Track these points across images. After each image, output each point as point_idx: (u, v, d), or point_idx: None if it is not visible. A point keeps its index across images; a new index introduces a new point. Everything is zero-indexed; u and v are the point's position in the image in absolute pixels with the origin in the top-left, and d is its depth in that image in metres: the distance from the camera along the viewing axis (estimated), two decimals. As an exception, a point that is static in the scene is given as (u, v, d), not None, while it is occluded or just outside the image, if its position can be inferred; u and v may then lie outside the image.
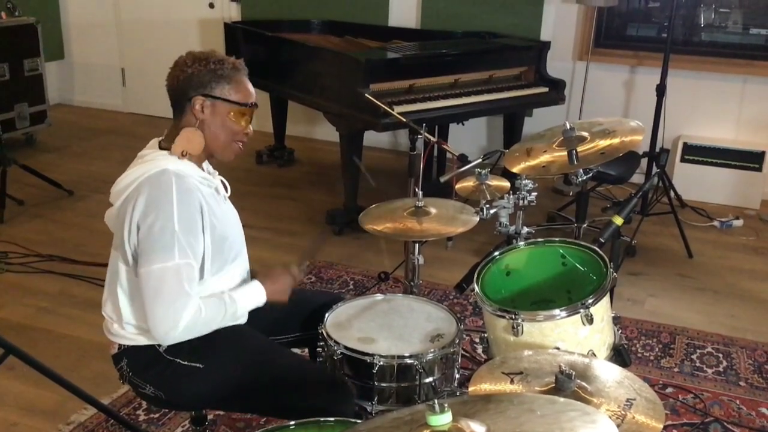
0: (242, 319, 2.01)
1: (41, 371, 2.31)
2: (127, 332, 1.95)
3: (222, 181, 2.07)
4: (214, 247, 1.91)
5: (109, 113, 6.69)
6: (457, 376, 2.12)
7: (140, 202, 1.82)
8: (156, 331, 1.81)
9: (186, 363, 1.92)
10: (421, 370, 1.98)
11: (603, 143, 2.28)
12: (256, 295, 1.99)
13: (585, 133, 2.34)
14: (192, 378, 1.92)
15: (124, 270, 1.91)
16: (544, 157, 2.34)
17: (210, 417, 2.57)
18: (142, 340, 1.94)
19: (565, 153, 2.26)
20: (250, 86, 1.97)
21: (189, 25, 6.19)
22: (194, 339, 1.92)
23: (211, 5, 6.07)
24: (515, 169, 2.35)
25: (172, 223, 1.80)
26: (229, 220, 2.02)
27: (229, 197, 2.09)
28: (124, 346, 1.97)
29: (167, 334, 1.81)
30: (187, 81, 1.90)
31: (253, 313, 2.09)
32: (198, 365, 1.92)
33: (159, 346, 1.93)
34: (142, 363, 1.95)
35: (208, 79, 1.90)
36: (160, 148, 1.95)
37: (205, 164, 2.04)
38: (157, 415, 2.69)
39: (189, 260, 1.82)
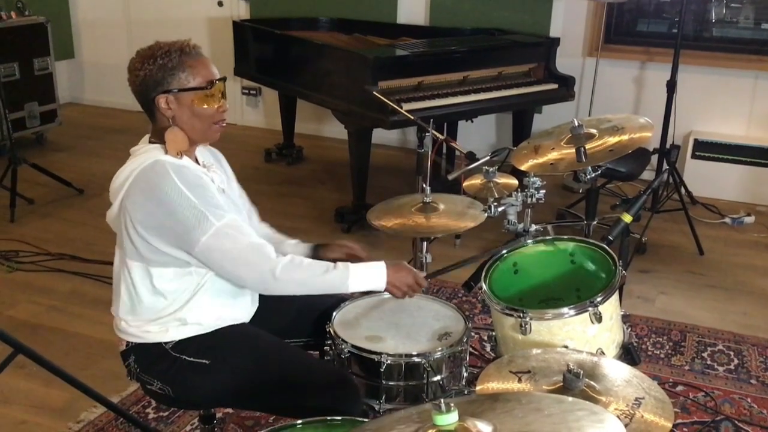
0: (351, 288, 1.92)
1: (51, 370, 2.32)
2: (134, 329, 1.95)
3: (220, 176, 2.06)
4: None
5: (120, 112, 6.70)
6: (465, 374, 2.12)
7: (139, 197, 1.82)
8: (257, 291, 1.96)
9: (192, 359, 1.92)
10: (429, 369, 1.97)
11: (612, 140, 2.26)
12: (375, 272, 1.94)
13: (593, 130, 2.32)
14: (199, 374, 1.92)
15: (132, 266, 1.91)
16: (553, 155, 2.32)
17: (219, 415, 2.57)
18: (149, 337, 1.94)
19: (574, 150, 2.24)
20: (205, 65, 1.90)
21: (198, 23, 6.20)
22: (200, 336, 1.92)
23: (220, 4, 6.08)
24: (523, 167, 2.34)
25: (187, 199, 1.80)
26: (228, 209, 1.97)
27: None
28: (131, 342, 1.98)
29: (269, 287, 1.86)
30: (144, 84, 1.88)
31: (264, 316, 2.09)
32: (204, 361, 1.92)
33: (166, 343, 1.93)
34: (149, 359, 1.96)
35: (160, 75, 1.86)
36: (150, 143, 1.94)
37: (202, 155, 2.03)
38: (166, 414, 2.69)
39: (227, 218, 1.82)
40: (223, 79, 1.93)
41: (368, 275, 1.93)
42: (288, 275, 1.84)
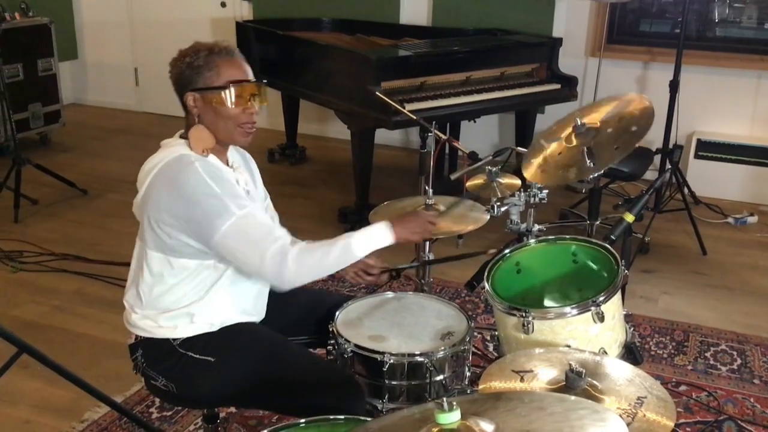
0: (360, 253, 1.95)
1: (55, 369, 2.33)
2: (144, 323, 1.97)
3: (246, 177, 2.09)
4: None
5: (123, 113, 6.73)
6: (468, 374, 2.12)
7: (164, 187, 1.85)
8: (273, 281, 1.89)
9: (198, 356, 1.93)
10: (432, 368, 1.98)
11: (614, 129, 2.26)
12: (379, 231, 1.97)
13: (595, 123, 2.32)
14: (203, 372, 1.93)
15: (151, 256, 1.92)
16: (559, 158, 2.32)
17: (222, 415, 2.58)
18: (158, 333, 1.96)
19: (579, 149, 2.24)
20: (233, 65, 1.91)
21: (201, 24, 6.21)
22: (208, 334, 1.94)
23: (223, 4, 6.09)
24: (532, 178, 2.32)
25: (210, 188, 1.82)
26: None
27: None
28: (140, 337, 1.99)
29: (283, 278, 1.85)
30: (176, 82, 1.94)
31: (268, 314, 2.10)
32: (209, 358, 1.93)
33: (174, 339, 1.94)
34: (156, 355, 1.97)
35: (188, 74, 1.90)
36: (181, 137, 1.97)
37: (233, 158, 2.05)
38: (170, 413, 2.70)
39: (248, 208, 1.85)
40: (258, 82, 1.93)
41: (370, 233, 1.96)
42: (304, 266, 1.86)
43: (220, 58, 1.90)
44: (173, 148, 1.91)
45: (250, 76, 1.94)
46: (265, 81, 1.98)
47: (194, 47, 1.91)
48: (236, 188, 1.90)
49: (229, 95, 1.89)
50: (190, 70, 1.89)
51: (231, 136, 1.95)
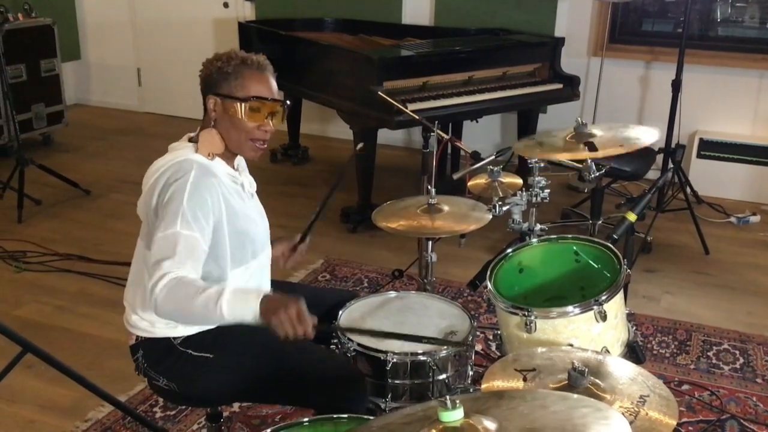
0: (223, 318, 1.69)
1: (59, 369, 2.34)
2: (144, 323, 1.97)
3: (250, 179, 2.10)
4: (232, 240, 1.92)
5: (126, 113, 6.73)
6: (471, 373, 2.13)
7: (159, 187, 1.85)
8: (150, 299, 1.70)
9: (196, 353, 1.94)
10: (435, 367, 1.98)
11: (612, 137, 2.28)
12: (246, 299, 1.69)
13: (598, 131, 2.34)
14: (203, 369, 1.94)
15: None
16: (561, 154, 2.33)
17: (225, 414, 2.59)
18: (158, 332, 1.96)
19: (582, 147, 2.25)
20: (260, 81, 1.91)
21: (204, 24, 6.22)
22: (207, 331, 1.94)
23: (226, 5, 6.09)
24: (531, 156, 2.33)
25: (183, 196, 1.80)
26: (250, 216, 2.01)
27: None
28: (140, 337, 2.00)
29: (153, 300, 1.68)
30: (203, 82, 1.95)
31: None
32: (208, 355, 1.94)
33: (175, 338, 1.95)
34: (157, 355, 1.97)
35: (215, 77, 1.91)
36: (190, 140, 1.99)
37: (239, 161, 2.06)
38: (173, 412, 2.71)
39: (192, 233, 1.77)
40: (281, 102, 1.94)
41: (240, 297, 1.69)
42: (167, 297, 1.68)
43: (249, 70, 1.91)
44: (179, 152, 1.92)
45: (275, 94, 1.95)
46: (288, 103, 1.98)
47: (229, 53, 1.93)
48: (205, 208, 1.82)
49: (248, 109, 1.90)
50: (219, 74, 1.91)
51: (241, 148, 1.96)
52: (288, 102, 1.98)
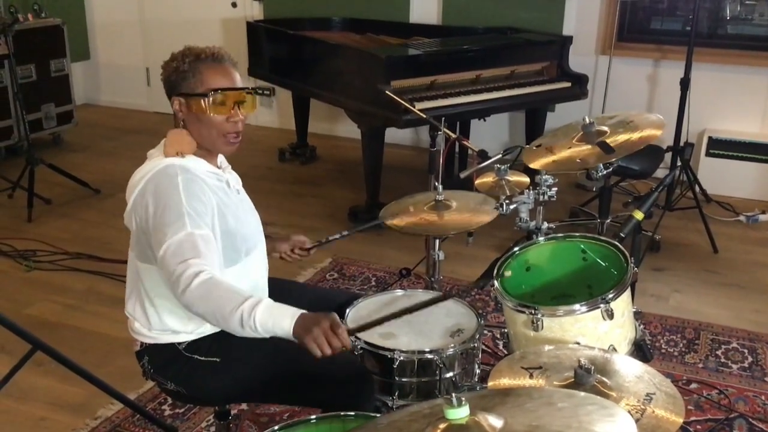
0: (256, 333, 1.69)
1: (69, 367, 2.35)
2: (147, 331, 1.97)
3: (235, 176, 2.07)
4: (224, 238, 1.88)
5: (135, 113, 6.76)
6: (478, 371, 2.13)
7: (149, 198, 1.81)
8: (175, 290, 1.69)
9: (204, 358, 1.94)
10: (442, 365, 1.99)
11: (622, 138, 2.27)
12: (283, 314, 1.69)
13: (605, 127, 2.33)
14: (211, 372, 1.94)
15: (142, 269, 1.92)
16: (568, 152, 2.33)
17: (234, 412, 2.60)
18: (162, 339, 1.96)
19: (588, 147, 2.25)
20: (219, 72, 1.86)
21: (212, 24, 6.24)
22: (212, 335, 1.94)
23: (234, 4, 6.11)
24: (538, 166, 2.33)
25: (179, 199, 1.76)
26: (240, 214, 1.97)
27: (252, 194, 2.10)
28: (145, 343, 1.99)
29: (183, 292, 1.67)
30: (165, 85, 1.91)
31: None
32: (215, 359, 1.93)
33: (179, 344, 1.95)
34: (162, 360, 1.97)
35: (174, 78, 1.87)
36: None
37: (221, 159, 2.03)
38: (182, 410, 2.72)
39: (204, 231, 1.75)
40: (243, 89, 1.89)
41: (278, 311, 1.68)
42: (203, 294, 1.67)
43: (205, 64, 1.86)
44: (156, 160, 1.88)
45: (237, 83, 1.89)
46: (252, 88, 1.92)
47: (183, 51, 1.89)
48: (204, 205, 1.81)
49: (211, 102, 1.84)
50: (177, 74, 1.87)
51: (214, 145, 1.91)
52: (252, 88, 1.91)
